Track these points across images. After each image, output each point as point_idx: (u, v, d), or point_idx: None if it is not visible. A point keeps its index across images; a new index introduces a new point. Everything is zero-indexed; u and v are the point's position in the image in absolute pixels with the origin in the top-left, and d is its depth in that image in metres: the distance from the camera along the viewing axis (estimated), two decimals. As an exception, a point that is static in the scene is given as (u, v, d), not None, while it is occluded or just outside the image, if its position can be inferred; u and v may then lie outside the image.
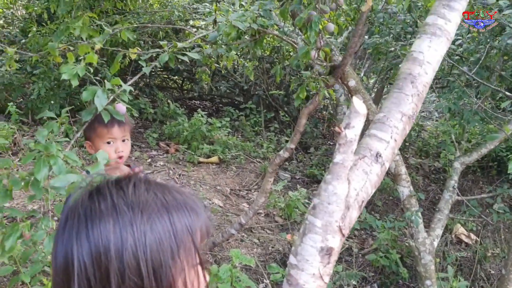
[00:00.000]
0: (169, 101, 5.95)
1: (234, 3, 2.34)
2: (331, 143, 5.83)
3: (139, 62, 1.90)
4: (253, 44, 2.42)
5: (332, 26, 2.29)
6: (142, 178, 0.67)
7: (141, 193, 0.63)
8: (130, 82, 1.83)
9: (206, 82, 5.70)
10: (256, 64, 5.22)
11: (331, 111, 5.67)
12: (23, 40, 5.17)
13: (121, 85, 1.76)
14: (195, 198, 0.70)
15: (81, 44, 2.08)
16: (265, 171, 4.59)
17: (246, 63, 4.62)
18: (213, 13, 3.77)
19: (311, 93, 2.91)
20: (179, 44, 1.90)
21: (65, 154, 1.55)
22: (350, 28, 3.96)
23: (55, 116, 1.73)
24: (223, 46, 2.35)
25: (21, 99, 5.63)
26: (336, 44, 2.58)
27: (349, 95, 3.04)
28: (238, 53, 5.01)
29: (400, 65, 1.25)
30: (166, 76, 7.13)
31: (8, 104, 4.80)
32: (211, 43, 2.33)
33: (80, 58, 2.08)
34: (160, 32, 5.21)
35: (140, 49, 2.25)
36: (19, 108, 5.12)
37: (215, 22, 3.82)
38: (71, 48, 2.20)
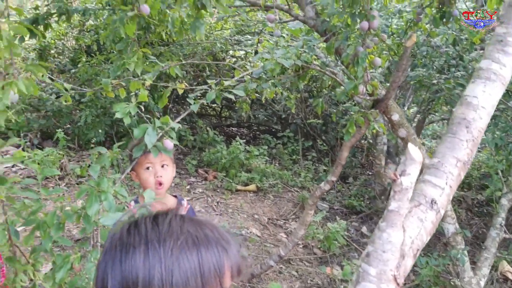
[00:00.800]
0: (208, 128, 6.05)
1: (277, 43, 2.39)
2: (370, 173, 5.74)
3: (187, 100, 1.96)
4: (296, 79, 2.45)
5: (379, 61, 2.30)
6: (178, 214, 0.70)
7: (175, 230, 0.66)
8: (178, 120, 1.89)
9: (245, 111, 5.77)
10: (296, 97, 5.26)
11: (370, 141, 5.61)
12: (73, 70, 5.41)
13: (169, 123, 1.82)
14: (228, 236, 0.71)
15: (132, 81, 2.16)
16: (303, 201, 4.57)
17: (285, 93, 4.67)
18: (256, 45, 3.86)
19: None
20: (226, 82, 1.96)
21: (115, 190, 1.61)
22: (390, 58, 3.95)
23: (107, 151, 1.80)
24: (267, 81, 2.39)
25: (69, 126, 5.87)
26: (379, 78, 2.58)
27: (392, 129, 3.02)
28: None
29: (454, 109, 1.24)
30: (205, 103, 7.27)
31: (57, 130, 5.01)
32: (255, 79, 2.38)
33: (131, 93, 2.18)
34: (202, 62, 5.35)
35: (186, 83, 2.32)
36: (66, 134, 5.33)
37: (256, 52, 3.90)
38: (123, 84, 2.30)
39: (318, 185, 3.04)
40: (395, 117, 2.80)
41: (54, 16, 3.14)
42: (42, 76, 1.54)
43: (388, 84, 2.93)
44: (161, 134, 1.80)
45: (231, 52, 6.19)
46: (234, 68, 5.03)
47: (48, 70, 1.15)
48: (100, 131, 4.95)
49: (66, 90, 2.09)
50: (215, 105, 7.24)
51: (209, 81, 1.98)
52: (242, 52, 6.10)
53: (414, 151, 1.06)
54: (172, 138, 1.78)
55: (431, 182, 1.17)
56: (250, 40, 4.64)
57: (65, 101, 2.18)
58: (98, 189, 1.50)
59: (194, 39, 5.58)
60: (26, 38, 2.40)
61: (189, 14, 2.24)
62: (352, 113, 2.62)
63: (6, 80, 1.04)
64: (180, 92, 2.33)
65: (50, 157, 4.59)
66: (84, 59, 5.42)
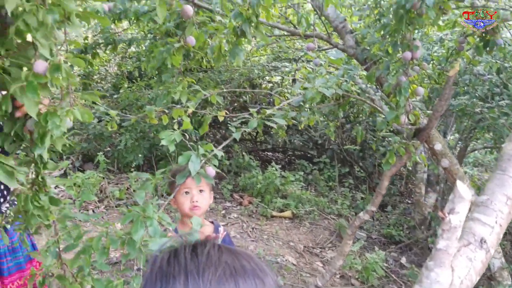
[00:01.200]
0: (243, 152, 6.09)
1: (316, 71, 2.41)
2: (409, 202, 5.60)
3: (229, 128, 1.99)
4: (336, 107, 2.46)
5: (422, 90, 2.28)
6: (216, 244, 0.71)
7: (213, 261, 0.67)
8: (220, 147, 1.92)
9: (281, 137, 5.80)
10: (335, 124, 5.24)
11: (409, 168, 5.50)
12: (115, 95, 5.61)
13: (212, 150, 1.85)
14: (265, 266, 0.72)
15: (175, 108, 2.22)
16: (340, 229, 4.49)
17: (323, 119, 4.67)
18: (293, 72, 3.89)
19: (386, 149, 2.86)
20: (268, 111, 1.98)
21: (159, 216, 1.64)
22: (431, 86, 3.89)
23: (150, 177, 1.85)
24: (306, 109, 2.41)
25: (109, 149, 6.04)
26: (421, 107, 2.56)
27: (434, 159, 2.95)
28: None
29: (503, 145, 1.21)
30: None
31: (98, 153, 5.17)
32: (295, 107, 2.40)
33: (174, 120, 2.24)
34: (243, 90, 5.44)
35: (226, 110, 2.37)
36: (106, 157, 5.49)
37: (294, 80, 3.93)
38: (166, 111, 2.37)
39: (357, 215, 2.99)
40: (438, 146, 2.75)
41: (101, 45, 3.29)
42: (94, 103, 1.61)
43: (428, 112, 2.89)
44: (203, 161, 1.83)
45: (267, 77, 6.26)
46: (271, 94, 5.09)
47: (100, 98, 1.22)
48: (140, 155, 5.07)
49: (107, 115, 2.17)
50: (251, 129, 7.29)
51: (250, 109, 2.02)
52: (279, 78, 6.16)
53: (463, 188, 1.04)
54: (215, 165, 1.81)
55: (480, 220, 1.14)
56: (287, 67, 4.69)
57: (111, 127, 2.26)
58: (143, 215, 1.54)
59: (232, 65, 5.70)
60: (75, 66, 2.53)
61: (229, 41, 2.30)
62: (392, 141, 2.59)
63: (64, 108, 1.09)
64: (221, 119, 2.38)
65: (91, 180, 4.73)
66: (125, 85, 5.61)
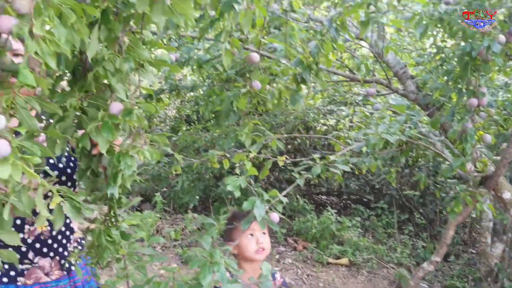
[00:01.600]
0: (298, 196, 6.04)
1: (377, 116, 2.39)
2: (474, 251, 5.28)
3: (292, 173, 2.00)
4: (399, 154, 2.41)
5: (489, 138, 2.20)
6: None
7: None
8: (284, 193, 1.92)
9: (338, 181, 5.71)
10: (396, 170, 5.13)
11: (473, 215, 5.21)
12: (174, 138, 5.80)
13: (277, 196, 1.86)
14: None
15: (237, 153, 2.26)
16: (400, 279, 4.28)
17: (378, 163, 4.56)
18: (351, 116, 3.88)
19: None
20: (331, 157, 1.98)
21: (225, 261, 1.64)
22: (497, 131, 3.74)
23: (215, 222, 1.87)
24: (368, 155, 2.37)
25: (165, 189, 6.20)
26: (489, 155, 2.45)
27: (502, 207, 2.80)
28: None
29: None
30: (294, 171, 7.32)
31: (155, 194, 5.31)
32: (356, 153, 2.37)
33: (236, 165, 2.27)
34: (303, 135, 5.47)
35: (286, 156, 2.38)
36: (162, 197, 5.63)
37: (359, 129, 3.91)
38: (227, 155, 2.42)
39: (421, 265, 2.85)
40: (507, 195, 2.61)
41: (165, 91, 3.45)
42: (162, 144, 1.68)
43: (495, 158, 2.76)
44: (268, 207, 1.84)
45: (321, 120, 6.26)
46: (327, 138, 5.06)
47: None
48: (197, 197, 5.17)
49: (166, 156, 2.24)
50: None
51: (314, 156, 2.02)
52: (333, 121, 6.15)
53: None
54: (279, 211, 1.81)
55: None
56: (344, 110, 4.68)
57: (175, 171, 2.34)
58: (210, 260, 1.55)
59: (287, 109, 5.76)
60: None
61: (288, 87, 2.34)
62: (458, 189, 2.48)
63: (135, 148, 1.15)
64: (281, 164, 2.39)
65: (148, 220, 4.85)
66: (184, 128, 5.80)
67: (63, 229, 1.61)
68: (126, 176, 1.14)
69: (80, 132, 1.11)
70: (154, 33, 2.02)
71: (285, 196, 1.91)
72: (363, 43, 3.31)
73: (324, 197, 7.21)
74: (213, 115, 5.17)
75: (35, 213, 1.51)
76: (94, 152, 1.14)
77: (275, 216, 1.85)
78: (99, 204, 1.29)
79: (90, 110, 1.07)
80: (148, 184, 5.80)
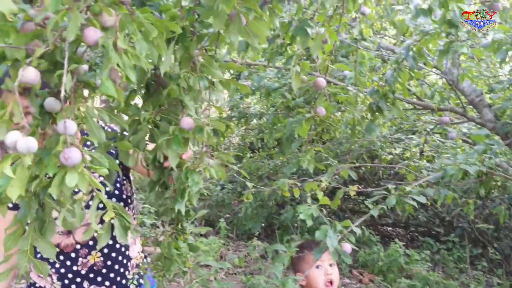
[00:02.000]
0: (363, 226, 5.87)
1: (462, 147, 2.30)
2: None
3: (366, 203, 1.96)
4: (478, 185, 2.29)
5: None
6: None
7: None
8: (357, 223, 1.88)
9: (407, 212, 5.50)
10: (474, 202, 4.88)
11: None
12: (239, 165, 5.89)
13: (349, 226, 1.83)
14: None
15: (308, 182, 2.26)
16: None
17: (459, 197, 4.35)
18: (422, 145, 3.76)
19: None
20: (407, 188, 1.92)
21: (296, 291, 1.62)
22: None
23: (284, 250, 1.86)
24: (446, 186, 2.28)
25: (228, 215, 6.26)
26: None
27: None
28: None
29: None
30: (360, 200, 7.15)
31: (220, 220, 5.37)
32: (432, 183, 2.29)
33: (307, 194, 2.26)
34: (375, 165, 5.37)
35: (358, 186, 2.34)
36: (226, 223, 5.68)
37: (421, 153, 3.78)
38: (298, 184, 2.42)
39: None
40: None
41: (233, 119, 3.53)
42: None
43: None
44: (340, 237, 1.80)
45: (387, 149, 6.09)
46: (393, 167, 4.92)
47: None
48: (262, 224, 5.18)
49: (230, 183, 2.26)
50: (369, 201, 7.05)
51: (389, 186, 1.97)
52: (399, 149, 5.96)
53: None
54: (352, 242, 1.77)
55: None
56: (413, 139, 4.53)
57: (246, 199, 2.37)
58: (283, 290, 1.54)
59: (352, 137, 5.67)
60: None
61: (363, 116, 2.31)
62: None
63: (203, 165, 1.16)
64: (352, 194, 2.35)
65: (213, 245, 4.91)
66: (248, 155, 5.87)
67: (119, 258, 1.62)
68: (193, 193, 1.16)
69: (151, 145, 1.13)
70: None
71: (356, 226, 1.87)
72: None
73: (390, 228, 6.95)
74: (277, 143, 5.20)
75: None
76: (166, 164, 1.15)
77: (348, 247, 1.81)
78: (167, 216, 1.29)
79: (162, 124, 1.09)
80: (211, 210, 5.88)
